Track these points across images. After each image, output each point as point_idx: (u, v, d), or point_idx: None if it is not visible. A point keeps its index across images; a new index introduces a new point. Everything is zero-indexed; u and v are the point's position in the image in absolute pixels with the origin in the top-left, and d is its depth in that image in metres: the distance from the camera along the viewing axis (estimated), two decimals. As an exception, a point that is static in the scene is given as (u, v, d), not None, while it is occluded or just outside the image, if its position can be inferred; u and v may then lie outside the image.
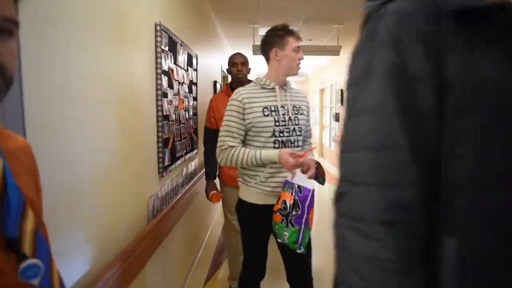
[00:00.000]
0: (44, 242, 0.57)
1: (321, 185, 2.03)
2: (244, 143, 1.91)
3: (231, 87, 2.77)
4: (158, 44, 2.11)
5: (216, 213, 4.75)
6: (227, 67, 2.90)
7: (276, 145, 1.85)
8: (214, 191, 2.77)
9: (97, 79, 1.40)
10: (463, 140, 0.59)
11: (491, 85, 0.58)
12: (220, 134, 1.90)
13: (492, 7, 0.58)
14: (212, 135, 2.54)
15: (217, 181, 2.85)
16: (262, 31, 5.80)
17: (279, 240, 1.81)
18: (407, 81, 0.60)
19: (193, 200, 3.01)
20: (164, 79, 2.22)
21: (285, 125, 1.87)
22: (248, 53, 6.21)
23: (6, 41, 0.49)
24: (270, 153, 1.80)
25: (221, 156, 1.88)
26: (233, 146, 1.84)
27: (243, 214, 2.00)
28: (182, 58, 2.71)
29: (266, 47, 1.94)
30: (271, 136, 1.84)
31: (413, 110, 0.60)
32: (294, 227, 1.73)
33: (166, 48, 2.27)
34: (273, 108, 1.86)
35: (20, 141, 0.64)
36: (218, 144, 1.89)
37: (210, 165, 2.76)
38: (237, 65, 2.78)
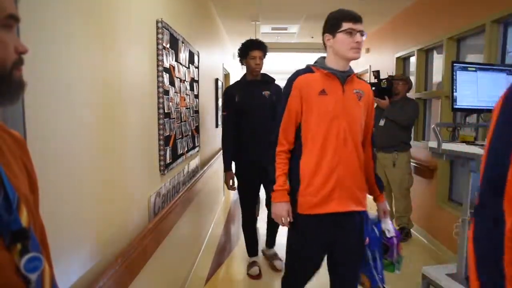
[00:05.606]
0: (35, 239, 0.57)
1: None
2: None
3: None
4: (160, 41, 2.10)
5: (218, 211, 4.74)
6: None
7: None
8: None
9: (97, 77, 1.39)
10: None
11: None
12: None
13: None
14: None
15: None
16: (264, 28, 5.80)
17: None
18: None
19: (195, 198, 3.01)
20: (166, 77, 2.21)
21: None
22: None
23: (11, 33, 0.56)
24: None
25: None
26: None
27: None
28: (183, 55, 2.70)
29: None
30: None
31: None
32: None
33: (168, 45, 2.26)
34: None
35: (15, 134, 0.66)
36: None
37: None
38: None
